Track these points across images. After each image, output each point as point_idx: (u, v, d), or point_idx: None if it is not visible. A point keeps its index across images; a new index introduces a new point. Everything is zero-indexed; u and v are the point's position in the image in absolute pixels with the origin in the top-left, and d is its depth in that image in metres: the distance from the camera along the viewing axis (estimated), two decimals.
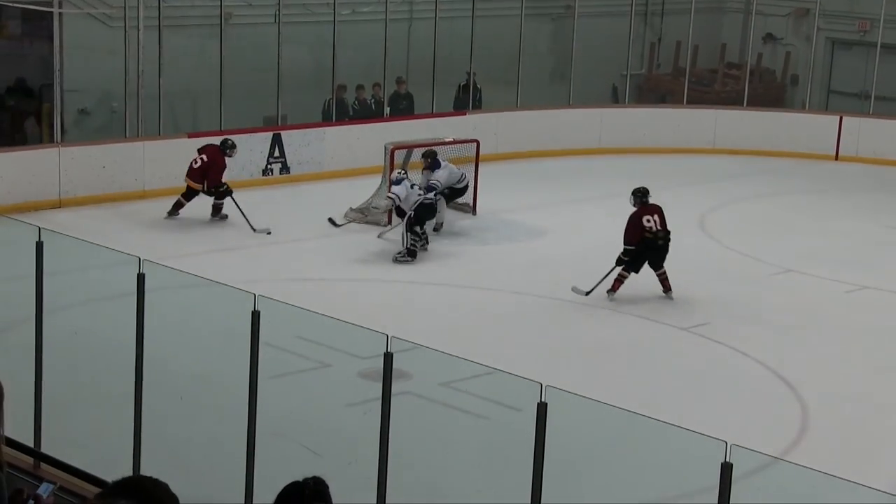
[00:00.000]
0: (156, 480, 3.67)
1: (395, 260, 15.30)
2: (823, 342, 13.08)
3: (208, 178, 16.57)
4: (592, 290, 14.01)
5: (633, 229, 14.14)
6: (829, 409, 11.26)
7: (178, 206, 16.80)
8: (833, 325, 13.71)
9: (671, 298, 14.12)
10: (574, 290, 14.09)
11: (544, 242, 16.38)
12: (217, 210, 16.86)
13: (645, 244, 14.09)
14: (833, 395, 11.59)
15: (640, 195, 14.30)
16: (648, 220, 14.13)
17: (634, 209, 14.26)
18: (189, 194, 16.77)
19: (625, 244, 14.11)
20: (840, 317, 13.99)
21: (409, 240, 15.42)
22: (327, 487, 3.92)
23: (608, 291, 14.08)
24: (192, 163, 16.73)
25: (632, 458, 9.43)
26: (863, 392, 11.73)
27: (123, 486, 3.60)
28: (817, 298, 14.57)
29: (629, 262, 14.10)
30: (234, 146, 16.82)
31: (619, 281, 14.14)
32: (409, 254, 15.38)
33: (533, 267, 15.33)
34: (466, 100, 21.50)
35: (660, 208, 14.29)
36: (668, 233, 14.18)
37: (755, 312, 13.86)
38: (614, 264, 14.07)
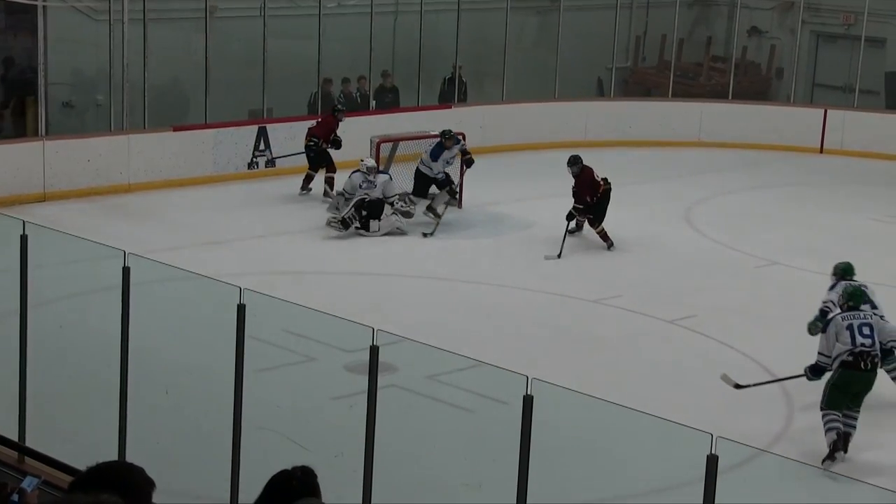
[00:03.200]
0: (130, 465, 3.63)
1: (328, 223, 15.96)
2: (808, 334, 13.09)
3: (315, 130, 17.59)
4: (560, 252, 15.42)
5: (588, 189, 15.76)
6: (815, 401, 11.28)
7: (308, 179, 17.62)
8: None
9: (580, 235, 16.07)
10: (546, 258, 15.40)
11: (530, 235, 16.39)
12: (329, 184, 17.44)
13: (605, 196, 15.85)
14: (819, 386, 11.61)
15: (579, 160, 16.05)
16: (597, 176, 15.93)
17: (577, 175, 15.90)
18: (313, 164, 17.58)
19: (577, 203, 15.76)
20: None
21: (350, 211, 15.93)
22: (315, 477, 3.90)
23: (609, 247, 15.77)
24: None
25: (617, 451, 9.45)
26: None
27: (99, 472, 3.56)
28: (803, 291, 14.58)
29: (596, 216, 15.80)
30: (342, 110, 17.95)
31: (604, 235, 15.80)
32: (344, 224, 15.88)
33: (519, 260, 15.34)
34: (452, 93, 21.49)
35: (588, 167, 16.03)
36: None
37: (741, 305, 13.89)
38: (567, 222, 15.63)
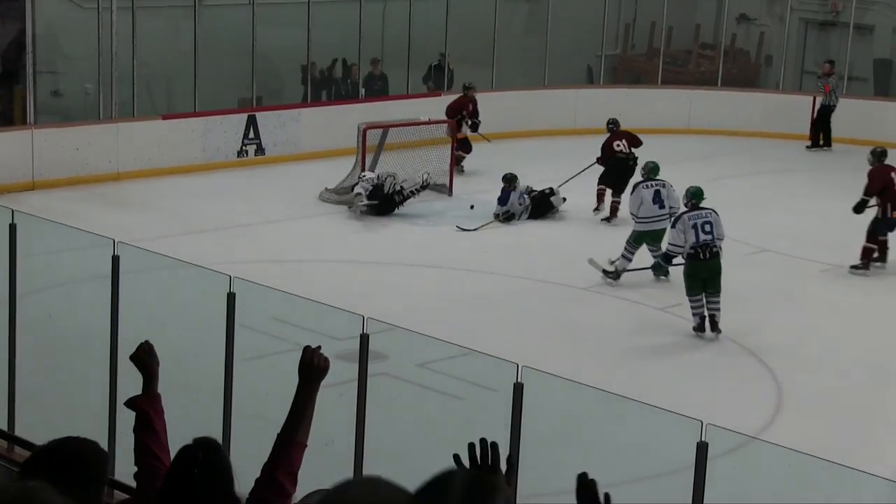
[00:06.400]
0: (84, 440, 3.58)
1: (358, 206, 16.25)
2: (798, 321, 13.14)
3: (447, 114, 18.29)
4: (567, 181, 16.88)
5: (603, 150, 16.74)
6: (804, 387, 11.33)
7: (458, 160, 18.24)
8: (808, 303, 13.77)
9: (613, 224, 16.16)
10: (557, 195, 16.61)
11: (520, 224, 16.38)
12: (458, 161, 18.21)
13: (616, 163, 16.45)
14: (808, 373, 11.66)
15: (612, 124, 17.04)
16: (619, 145, 16.65)
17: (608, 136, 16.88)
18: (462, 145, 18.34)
19: (598, 159, 16.83)
20: (815, 295, 14.06)
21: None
22: (219, 452, 3.71)
23: (603, 219, 16.40)
24: None
25: (608, 438, 9.46)
26: (837, 370, 11.80)
27: (49, 452, 3.52)
28: (792, 277, 14.63)
29: (606, 179, 16.57)
30: (473, 87, 18.77)
31: (613, 207, 16.37)
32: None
33: (509, 248, 15.34)
34: (438, 80, 21.45)
35: (628, 134, 16.81)
36: (634, 156, 16.39)
37: (730, 292, 13.87)
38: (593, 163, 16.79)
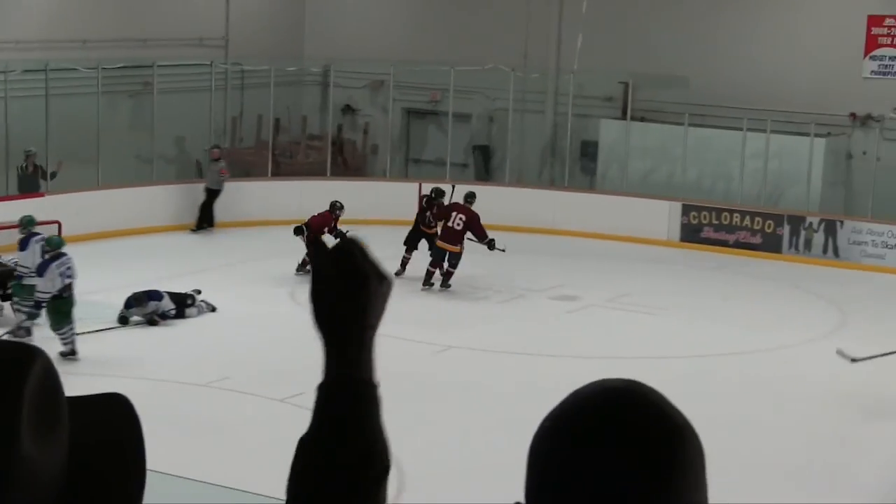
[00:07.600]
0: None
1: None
2: (412, 401, 13.36)
3: (309, 227, 18.73)
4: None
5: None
6: (425, 465, 11.51)
7: (304, 264, 18.63)
8: (420, 384, 14.07)
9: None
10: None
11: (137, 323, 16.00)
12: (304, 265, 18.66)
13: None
14: (425, 452, 11.87)
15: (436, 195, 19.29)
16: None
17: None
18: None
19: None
20: (427, 376, 14.39)
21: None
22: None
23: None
24: None
25: None
26: (457, 446, 12.07)
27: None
28: (405, 360, 14.89)
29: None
30: (341, 207, 19.15)
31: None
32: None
33: (135, 350, 14.91)
34: (30, 182, 20.66)
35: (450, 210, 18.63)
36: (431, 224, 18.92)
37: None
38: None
